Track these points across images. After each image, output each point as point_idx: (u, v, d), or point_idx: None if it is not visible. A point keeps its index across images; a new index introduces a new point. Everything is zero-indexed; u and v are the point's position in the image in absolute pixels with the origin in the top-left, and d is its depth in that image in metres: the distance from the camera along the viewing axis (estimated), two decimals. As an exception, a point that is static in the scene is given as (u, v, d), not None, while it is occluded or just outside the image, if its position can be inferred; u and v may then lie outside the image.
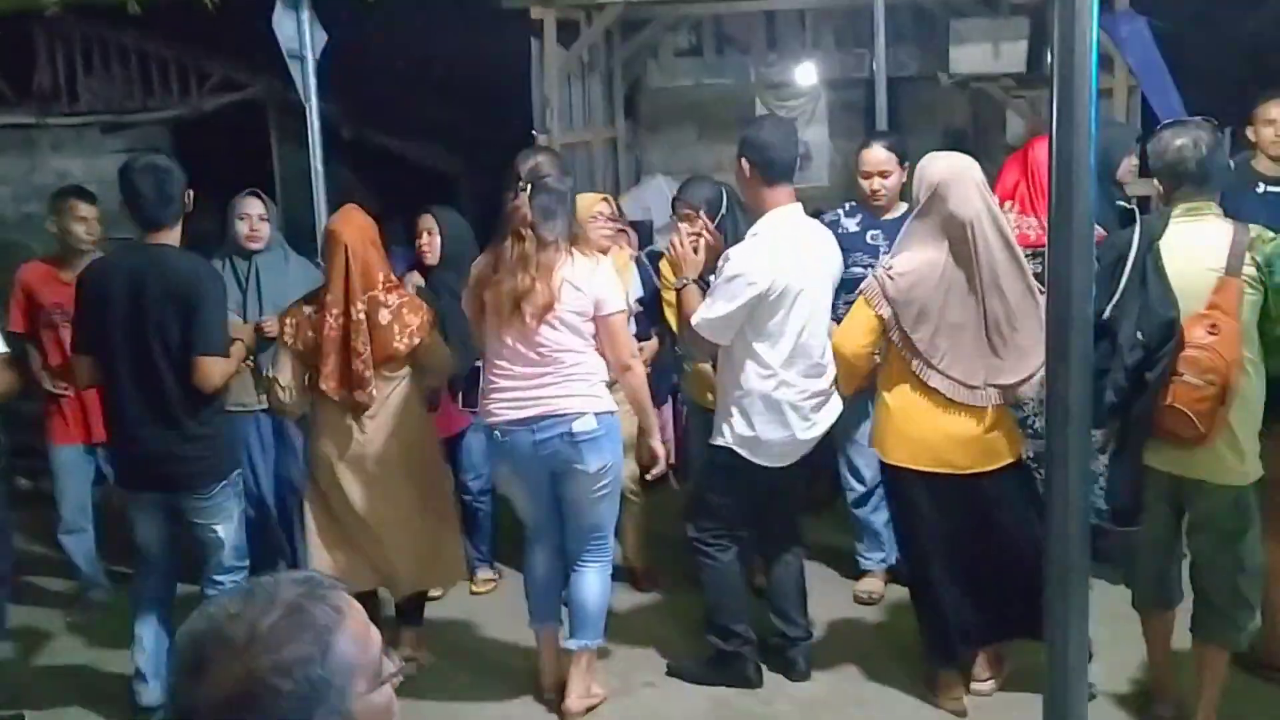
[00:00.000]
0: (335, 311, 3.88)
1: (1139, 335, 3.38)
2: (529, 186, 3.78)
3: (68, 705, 4.28)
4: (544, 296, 3.67)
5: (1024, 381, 3.62)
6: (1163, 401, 3.35)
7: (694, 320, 3.87)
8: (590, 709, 4.01)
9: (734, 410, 3.92)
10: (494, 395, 3.83)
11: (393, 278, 4.04)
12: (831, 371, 3.96)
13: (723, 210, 4.43)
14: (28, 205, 8.21)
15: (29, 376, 4.61)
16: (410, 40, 8.29)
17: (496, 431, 3.84)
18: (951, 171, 3.62)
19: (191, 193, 3.90)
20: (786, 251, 3.83)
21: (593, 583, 3.95)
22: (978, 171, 3.65)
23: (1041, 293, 3.44)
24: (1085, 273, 2.07)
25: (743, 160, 3.88)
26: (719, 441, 3.97)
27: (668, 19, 8.75)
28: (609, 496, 3.91)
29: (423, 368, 4.06)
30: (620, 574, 4.79)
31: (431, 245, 4.78)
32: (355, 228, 3.96)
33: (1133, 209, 3.60)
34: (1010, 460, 3.74)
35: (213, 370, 3.74)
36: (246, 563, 4.11)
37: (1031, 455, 4.45)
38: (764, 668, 4.17)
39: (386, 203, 9.17)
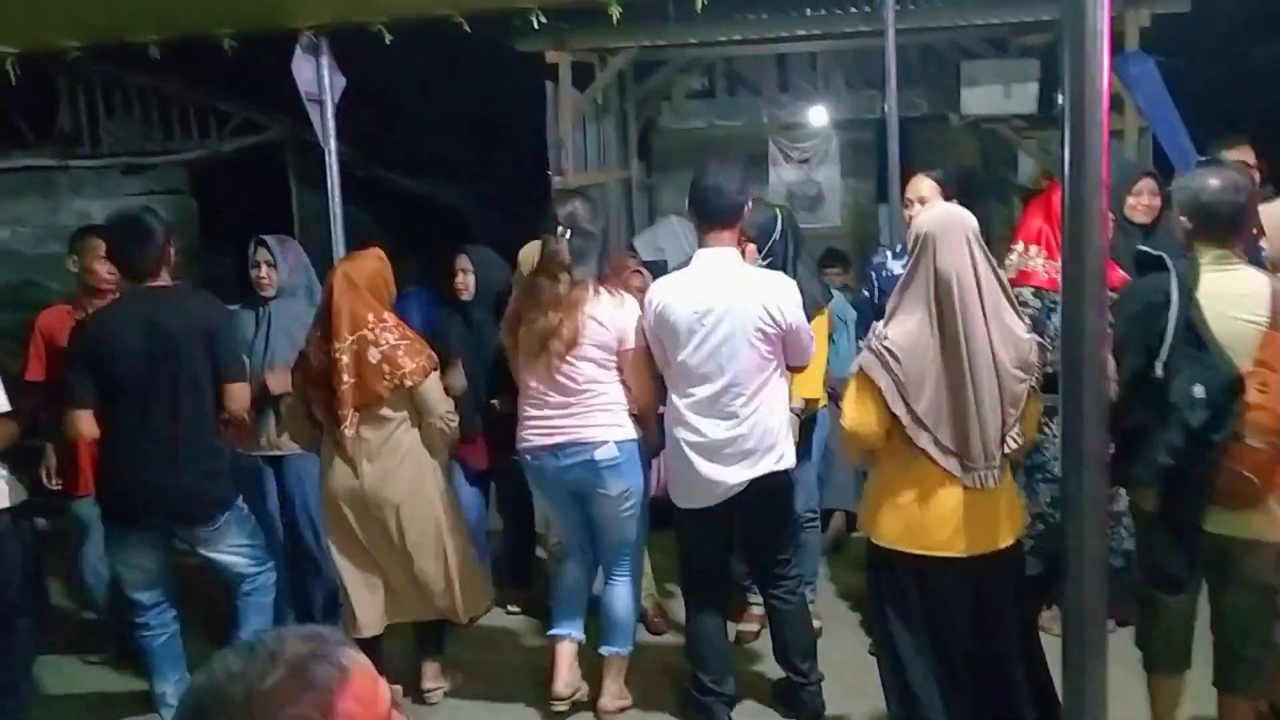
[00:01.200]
0: (325, 349, 4.03)
1: (1197, 393, 3.18)
2: (568, 231, 3.95)
3: None
4: (569, 333, 3.90)
5: (1002, 442, 3.28)
6: (1223, 465, 3.17)
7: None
8: (622, 709, 4.23)
9: (667, 450, 4.06)
10: (526, 423, 4.09)
11: (388, 318, 4.08)
12: (745, 423, 3.80)
13: (775, 235, 4.40)
14: (48, 246, 8.28)
15: (33, 421, 4.54)
16: (426, 82, 8.38)
17: (528, 455, 4.10)
18: (940, 223, 3.30)
19: (174, 244, 4.07)
20: (692, 291, 3.83)
21: (623, 594, 4.19)
22: (974, 223, 3.33)
23: (1024, 376, 3.26)
24: (1099, 315, 2.07)
25: (686, 201, 3.98)
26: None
27: (680, 61, 8.83)
28: (634, 516, 4.10)
29: (424, 413, 4.12)
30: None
31: (466, 284, 4.94)
32: (348, 268, 4.11)
33: (1160, 255, 3.39)
34: (1009, 543, 3.39)
35: (242, 393, 4.00)
36: (270, 562, 4.23)
37: (1050, 501, 4.45)
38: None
39: (401, 243, 9.27)
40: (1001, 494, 3.33)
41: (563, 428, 4.00)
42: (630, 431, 4.04)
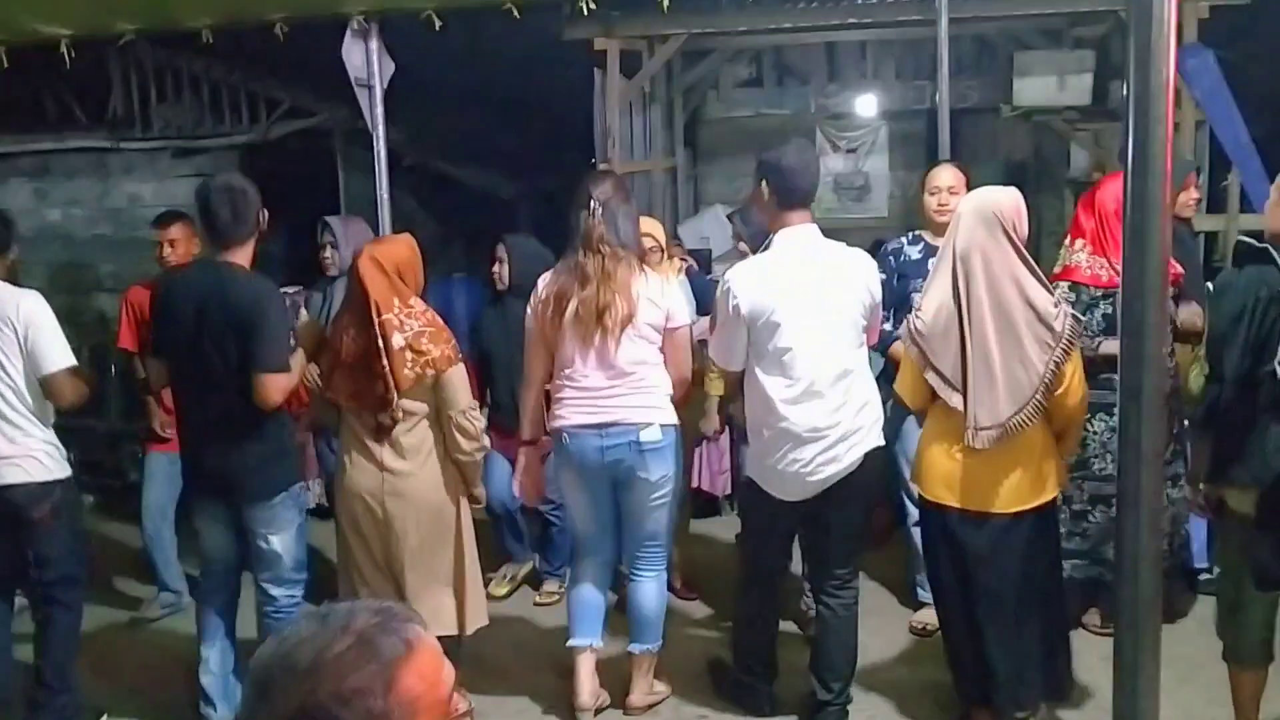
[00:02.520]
0: (351, 334, 3.96)
1: None
2: (600, 206, 3.91)
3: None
4: (625, 309, 3.86)
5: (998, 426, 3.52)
6: None
7: (709, 348, 4.07)
8: (652, 705, 4.19)
9: (750, 439, 4.01)
10: (566, 401, 3.99)
11: (414, 304, 3.98)
12: (847, 408, 3.77)
13: None
14: (99, 227, 8.39)
15: (102, 389, 4.74)
16: (475, 69, 8.39)
17: (565, 434, 3.99)
18: (968, 204, 3.64)
19: (266, 213, 4.02)
20: (780, 274, 3.79)
21: (650, 590, 4.10)
22: (1004, 204, 3.54)
23: (1052, 344, 3.46)
24: (1160, 311, 2.04)
25: (763, 182, 3.87)
26: (745, 473, 4.15)
27: (729, 50, 8.79)
28: (666, 505, 4.05)
29: (440, 404, 3.97)
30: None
31: (500, 273, 4.89)
32: (375, 251, 4.03)
33: (1264, 247, 3.28)
34: (1038, 504, 3.65)
35: (271, 386, 3.82)
36: (304, 575, 4.14)
37: (1088, 498, 4.41)
38: (779, 701, 4.14)
39: (449, 230, 9.31)
40: (1037, 458, 3.58)
41: (607, 407, 3.93)
42: (672, 416, 4.01)
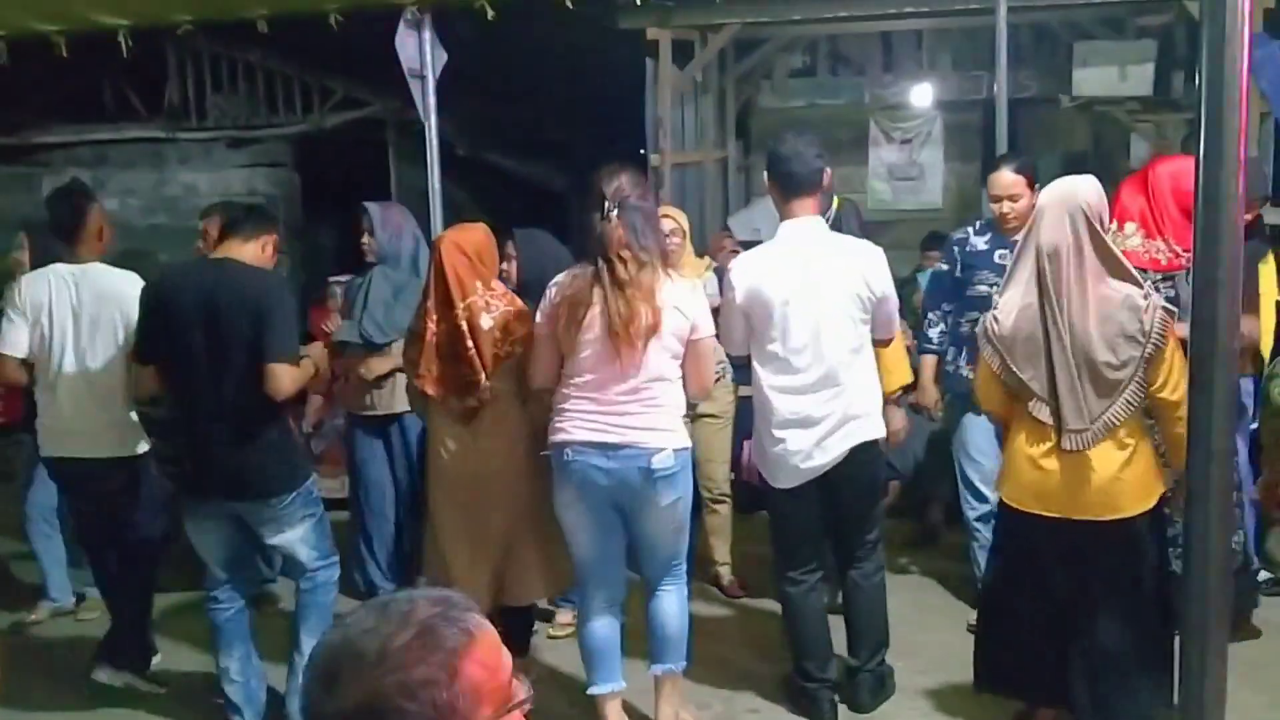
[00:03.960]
0: (435, 318, 3.94)
1: None
2: (616, 207, 3.64)
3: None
4: (650, 319, 3.56)
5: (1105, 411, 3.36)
6: None
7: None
8: None
9: (754, 428, 3.96)
10: (569, 413, 3.68)
11: (495, 286, 3.99)
12: (841, 399, 3.76)
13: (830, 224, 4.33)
14: (156, 216, 8.49)
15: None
16: (526, 59, 8.39)
17: (566, 451, 3.67)
18: (1050, 196, 3.44)
19: (277, 238, 4.07)
20: (780, 266, 3.78)
21: (672, 605, 3.85)
22: (1088, 196, 3.41)
23: (1141, 340, 3.29)
24: (1232, 305, 1.98)
25: (765, 175, 3.92)
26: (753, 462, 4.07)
27: (782, 39, 8.72)
28: (683, 527, 3.83)
29: (529, 382, 3.92)
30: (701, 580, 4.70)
31: (510, 271, 4.64)
32: (454, 236, 4.02)
33: None
34: (1135, 513, 3.40)
35: (283, 376, 3.72)
36: (333, 558, 4.08)
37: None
38: (838, 704, 4.07)
39: (496, 220, 9.33)
40: (1133, 463, 3.37)
41: (617, 426, 3.62)
42: (685, 439, 3.74)
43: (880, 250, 3.93)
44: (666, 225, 4.70)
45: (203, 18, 5.70)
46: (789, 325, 3.76)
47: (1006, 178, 4.48)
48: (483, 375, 3.86)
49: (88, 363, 4.13)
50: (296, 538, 3.94)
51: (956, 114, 8.98)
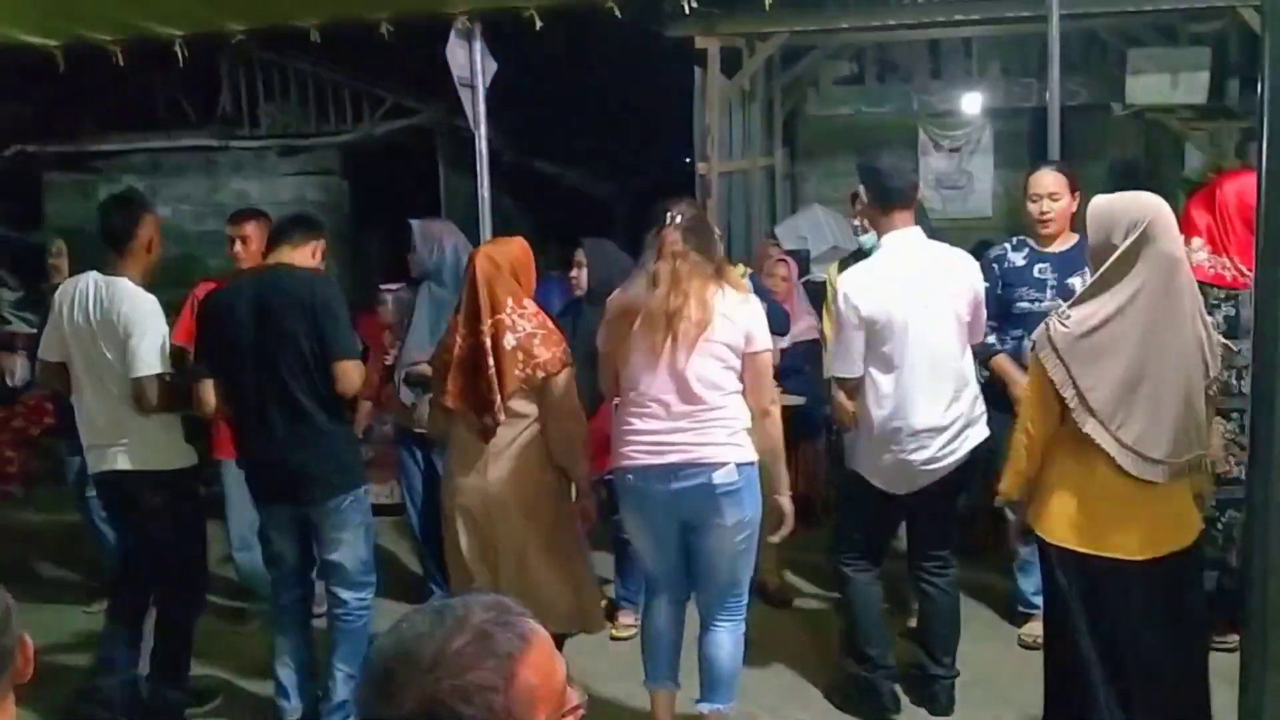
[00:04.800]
0: (462, 333, 3.86)
1: None
2: (678, 216, 3.63)
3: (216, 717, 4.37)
4: (698, 314, 3.50)
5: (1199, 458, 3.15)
6: None
7: (829, 363, 3.99)
8: None
9: (860, 436, 3.95)
10: (630, 438, 3.62)
11: (526, 305, 3.87)
12: (961, 403, 3.85)
13: None
14: (208, 223, 8.60)
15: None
16: (575, 68, 8.43)
17: (629, 476, 3.62)
18: (1156, 208, 3.15)
19: (324, 243, 4.09)
20: (893, 277, 3.82)
21: (726, 642, 3.74)
22: (1171, 217, 3.22)
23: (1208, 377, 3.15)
24: (1295, 317, 1.95)
25: (860, 190, 3.96)
26: (849, 465, 4.03)
27: (829, 47, 8.70)
28: (747, 551, 3.70)
29: (545, 407, 3.81)
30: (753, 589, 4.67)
31: (580, 279, 4.73)
32: (491, 251, 3.95)
33: None
34: (1185, 545, 3.21)
35: (352, 372, 3.82)
36: (373, 578, 4.10)
37: (1215, 504, 4.22)
38: (902, 696, 4.09)
39: (543, 228, 9.38)
40: (1176, 494, 3.17)
41: (678, 444, 3.53)
42: (751, 454, 3.60)
43: (973, 258, 4.02)
44: (775, 252, 4.91)
45: (256, 27, 5.76)
46: (911, 338, 3.78)
47: (1048, 176, 4.43)
48: (499, 396, 3.76)
49: (109, 375, 4.03)
50: (349, 544, 3.97)
51: (1006, 121, 8.93)
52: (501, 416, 3.77)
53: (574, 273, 4.77)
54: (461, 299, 3.93)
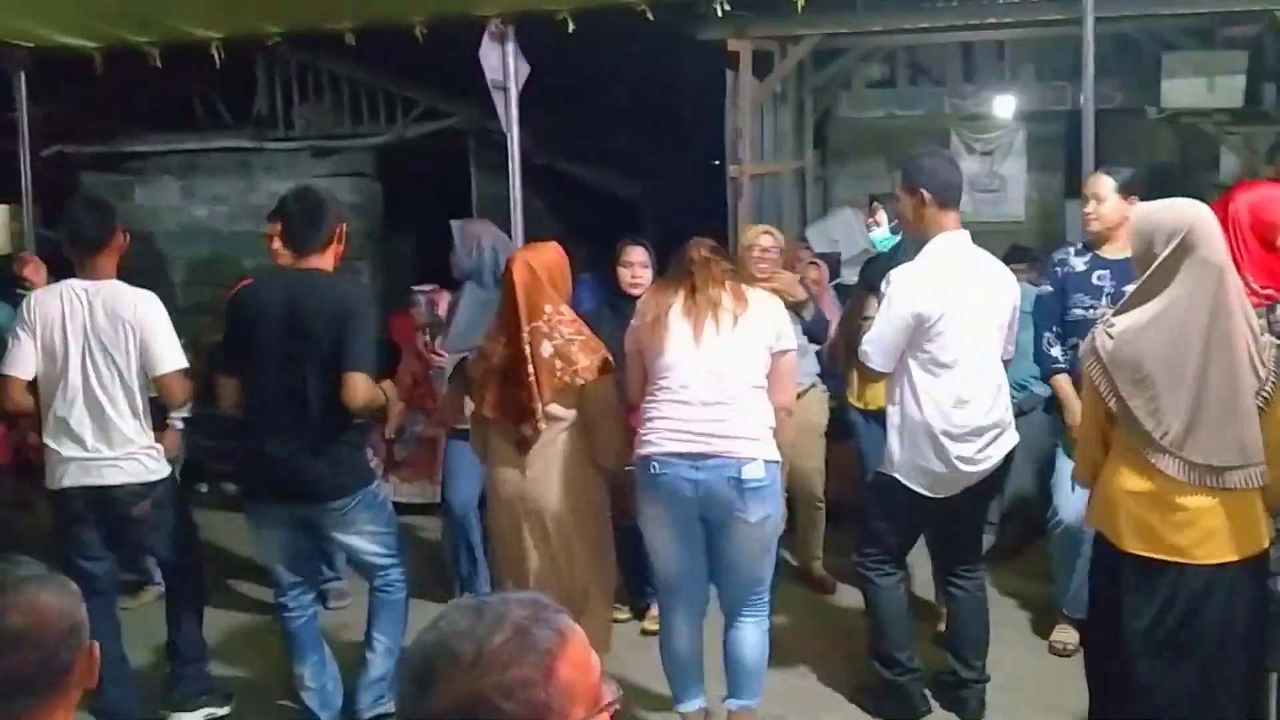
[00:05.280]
0: (502, 340, 3.86)
1: None
2: (705, 244, 3.81)
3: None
4: (735, 306, 3.62)
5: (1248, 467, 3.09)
6: None
7: (861, 345, 3.93)
8: None
9: (895, 437, 3.93)
10: (656, 424, 3.64)
11: (564, 311, 3.89)
12: (998, 405, 3.90)
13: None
14: (242, 224, 8.66)
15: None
16: (607, 70, 8.44)
17: (653, 464, 3.61)
18: (1198, 216, 3.12)
19: (344, 227, 3.99)
20: (947, 277, 3.86)
21: (751, 638, 3.77)
22: (1214, 216, 3.22)
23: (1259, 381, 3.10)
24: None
25: (918, 188, 3.90)
26: (883, 467, 4.00)
27: (861, 49, 8.67)
28: (770, 550, 3.77)
29: (585, 411, 3.84)
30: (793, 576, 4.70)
31: (642, 278, 4.76)
32: (528, 257, 3.93)
33: None
34: (1251, 554, 3.16)
35: (360, 385, 3.76)
36: (400, 556, 4.11)
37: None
38: (930, 698, 4.10)
39: (573, 230, 9.39)
40: (1236, 501, 3.12)
41: (705, 435, 3.55)
42: (776, 453, 3.65)
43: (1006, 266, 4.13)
44: (765, 241, 4.99)
45: (292, 29, 5.82)
46: (956, 339, 3.82)
47: (1097, 178, 4.43)
48: (539, 404, 3.76)
49: (103, 385, 3.94)
50: (360, 540, 4.00)
51: (1039, 125, 8.89)
52: (542, 426, 3.76)
53: (632, 272, 4.81)
54: (500, 307, 3.94)
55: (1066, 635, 4.62)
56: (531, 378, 3.74)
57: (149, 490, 4.03)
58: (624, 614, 4.96)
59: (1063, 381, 4.47)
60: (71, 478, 3.97)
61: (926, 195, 3.90)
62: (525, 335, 3.77)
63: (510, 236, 5.21)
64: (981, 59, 8.89)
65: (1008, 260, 6.83)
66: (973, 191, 8.84)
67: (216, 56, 5.68)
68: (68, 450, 3.96)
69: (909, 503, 3.96)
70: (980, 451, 3.89)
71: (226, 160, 8.85)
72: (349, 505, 3.92)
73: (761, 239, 4.99)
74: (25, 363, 3.94)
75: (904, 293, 3.81)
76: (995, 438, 3.92)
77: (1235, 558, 3.13)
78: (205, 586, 4.59)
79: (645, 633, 4.83)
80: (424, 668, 1.32)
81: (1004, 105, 8.75)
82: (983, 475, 3.94)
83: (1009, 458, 4.02)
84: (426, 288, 5.92)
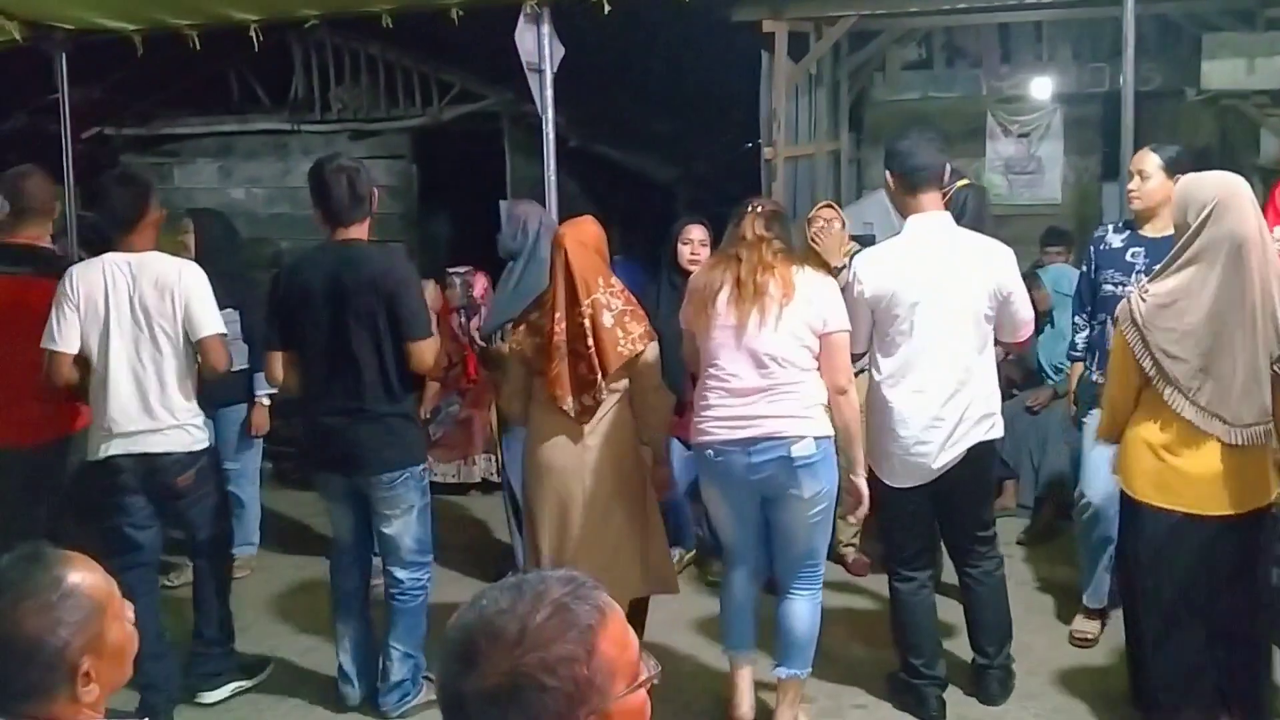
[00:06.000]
0: (558, 315, 3.89)
1: None
2: (761, 206, 3.81)
3: (279, 694, 4.41)
4: (780, 292, 3.63)
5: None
6: None
7: None
8: None
9: (870, 426, 3.91)
10: (709, 415, 3.74)
11: (614, 283, 3.98)
12: (960, 398, 3.75)
13: (958, 211, 4.30)
14: (279, 206, 8.74)
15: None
16: (640, 52, 8.44)
17: (709, 452, 3.73)
18: (1227, 189, 3.32)
19: (376, 192, 4.05)
20: (911, 260, 3.77)
21: (803, 611, 3.84)
22: (1249, 189, 3.38)
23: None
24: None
25: (889, 171, 3.89)
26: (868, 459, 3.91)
27: (897, 31, 8.62)
28: (823, 523, 3.81)
29: (638, 380, 3.97)
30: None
31: (700, 255, 4.89)
32: (576, 232, 3.99)
33: None
34: (1264, 504, 3.42)
35: (425, 351, 3.89)
36: (428, 558, 4.16)
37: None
38: (946, 704, 4.04)
39: (606, 213, 9.41)
40: (1251, 456, 3.36)
41: (755, 419, 3.64)
42: (827, 428, 3.70)
43: (1009, 249, 3.90)
44: (827, 213, 5.22)
45: (329, 12, 5.85)
46: (917, 323, 3.74)
47: (1142, 155, 4.35)
48: (600, 374, 3.84)
49: (149, 354, 3.97)
50: (404, 521, 4.03)
51: (1076, 107, 8.80)
52: (602, 395, 3.88)
53: (691, 249, 4.99)
54: (554, 283, 3.96)
55: (1087, 626, 4.57)
56: (592, 350, 3.83)
57: (193, 460, 4.08)
58: None
59: (1077, 370, 4.50)
60: (118, 447, 3.98)
61: (894, 178, 3.87)
62: (585, 308, 3.85)
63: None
64: (1019, 40, 8.82)
65: (1045, 243, 6.86)
66: (1009, 174, 8.80)
67: (255, 39, 5.71)
68: (114, 421, 3.97)
69: (891, 494, 3.91)
70: (939, 442, 3.76)
71: (263, 142, 8.93)
72: (398, 479, 3.97)
73: (823, 210, 5.32)
74: (71, 337, 3.97)
75: (861, 274, 3.80)
76: (953, 429, 3.77)
77: (1248, 509, 3.38)
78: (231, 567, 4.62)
79: (710, 582, 5.09)
80: (467, 646, 1.33)
81: (1041, 87, 8.67)
82: (947, 467, 3.81)
83: (985, 450, 3.87)
84: (461, 269, 5.96)
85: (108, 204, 4.05)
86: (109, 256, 4.00)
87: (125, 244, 3.99)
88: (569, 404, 3.89)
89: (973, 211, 4.43)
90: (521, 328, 4.06)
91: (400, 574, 4.08)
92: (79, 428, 4.38)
